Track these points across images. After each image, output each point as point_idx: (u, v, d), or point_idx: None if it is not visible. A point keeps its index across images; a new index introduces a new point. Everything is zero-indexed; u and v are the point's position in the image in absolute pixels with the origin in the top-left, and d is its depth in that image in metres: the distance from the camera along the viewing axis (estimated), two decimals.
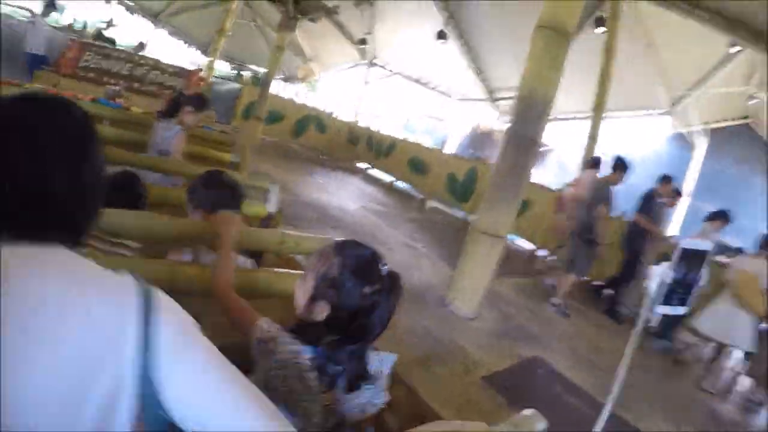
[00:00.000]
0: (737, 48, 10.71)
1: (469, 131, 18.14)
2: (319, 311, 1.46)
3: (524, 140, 5.27)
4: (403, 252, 7.26)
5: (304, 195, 8.82)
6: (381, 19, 16.11)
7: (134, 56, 12.04)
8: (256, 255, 2.63)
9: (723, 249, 7.65)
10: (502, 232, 5.40)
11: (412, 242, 8.01)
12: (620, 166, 6.69)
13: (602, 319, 7.03)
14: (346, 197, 9.99)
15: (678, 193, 7.66)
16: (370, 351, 1.52)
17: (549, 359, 5.08)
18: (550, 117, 14.32)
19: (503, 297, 6.56)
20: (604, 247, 6.76)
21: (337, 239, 1.58)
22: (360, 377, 1.47)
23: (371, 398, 1.50)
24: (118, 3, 16.48)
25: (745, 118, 14.85)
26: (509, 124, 5.54)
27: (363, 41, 17.10)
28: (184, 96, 4.66)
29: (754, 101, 13.32)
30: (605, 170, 7.88)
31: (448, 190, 11.72)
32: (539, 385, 4.55)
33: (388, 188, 13.14)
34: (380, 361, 1.55)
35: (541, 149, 17.20)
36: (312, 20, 11.23)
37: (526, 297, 6.93)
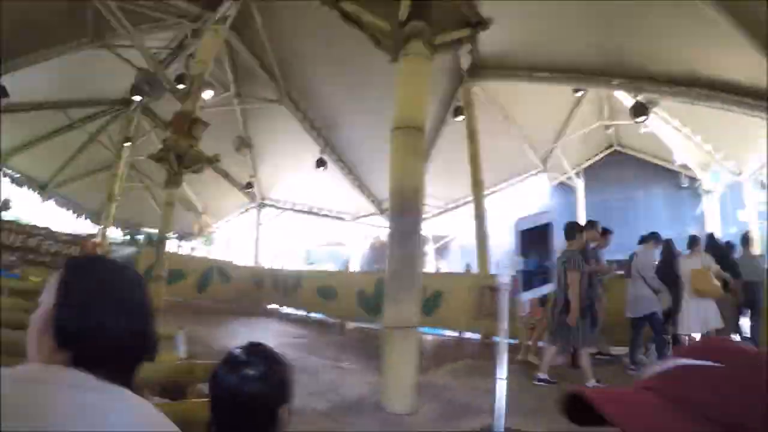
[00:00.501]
0: (581, 92, 12.18)
1: (370, 247, 18.73)
2: (211, 424, 1.62)
3: (405, 232, 5.80)
4: (330, 373, 7.44)
5: (217, 344, 8.85)
6: (263, 159, 16.89)
7: (26, 227, 12.09)
8: (178, 394, 2.82)
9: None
10: (412, 322, 5.80)
11: (337, 363, 8.24)
12: (574, 229, 7.03)
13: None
14: (261, 338, 9.92)
15: (606, 231, 8.15)
16: None
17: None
18: (444, 207, 15.06)
19: (440, 384, 6.85)
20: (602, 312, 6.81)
21: None
22: None
23: None
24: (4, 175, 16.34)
25: (610, 147, 16.69)
26: (390, 222, 6.07)
27: (249, 185, 17.69)
28: None
29: (611, 130, 15.10)
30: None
31: (361, 307, 12.08)
32: None
33: (304, 321, 13.34)
34: None
35: (439, 241, 18.14)
36: (195, 172, 11.57)
37: (463, 378, 7.22)
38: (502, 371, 2.43)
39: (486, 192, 12.13)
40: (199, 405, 2.25)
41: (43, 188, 17.36)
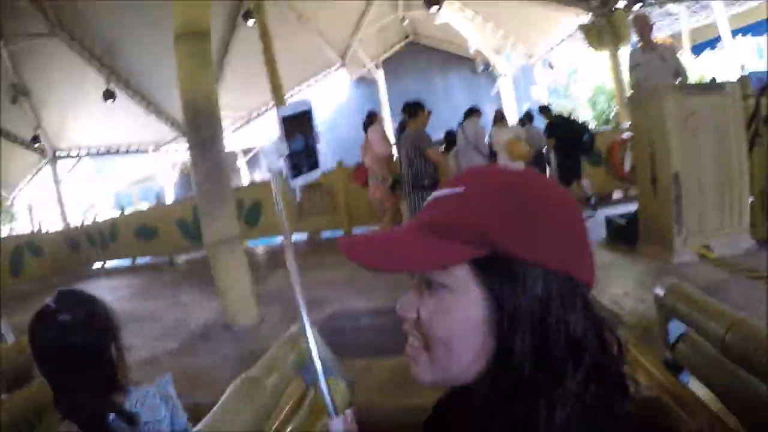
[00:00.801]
0: None
1: (180, 174, 18.02)
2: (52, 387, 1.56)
3: (205, 144, 5.66)
4: (171, 312, 7.36)
5: None
6: (45, 105, 14.95)
7: None
8: (23, 381, 2.60)
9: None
10: (232, 233, 5.80)
11: (174, 297, 8.17)
12: (416, 109, 7.02)
13: None
14: None
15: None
16: (134, 391, 1.61)
17: (346, 308, 5.83)
18: (247, 118, 14.76)
19: (279, 289, 6.97)
20: None
21: None
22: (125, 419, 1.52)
23: (166, 426, 1.61)
24: None
25: (407, 38, 17.36)
26: (188, 137, 5.88)
27: (36, 138, 15.73)
28: None
29: (407, 22, 15.58)
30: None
31: (185, 238, 11.76)
32: (348, 330, 5.21)
33: (132, 270, 12.81)
34: (156, 391, 1.65)
35: (250, 152, 17.98)
36: None
37: (304, 276, 7.31)
38: (291, 261, 2.48)
39: (287, 95, 12.02)
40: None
41: None
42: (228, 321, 5.85)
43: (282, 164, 2.49)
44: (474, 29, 14.56)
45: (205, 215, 5.78)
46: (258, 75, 12.04)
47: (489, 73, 17.07)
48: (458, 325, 0.70)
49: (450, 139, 9.45)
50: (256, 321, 5.81)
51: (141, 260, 13.26)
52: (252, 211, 10.48)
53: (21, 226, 17.30)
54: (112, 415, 1.50)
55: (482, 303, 0.68)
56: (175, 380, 1.74)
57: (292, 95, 14.37)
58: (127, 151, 17.68)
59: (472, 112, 8.78)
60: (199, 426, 1.30)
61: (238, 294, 5.81)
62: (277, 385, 1.60)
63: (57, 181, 16.89)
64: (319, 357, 2.03)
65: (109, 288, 10.70)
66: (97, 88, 13.78)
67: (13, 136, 15.29)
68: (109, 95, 13.77)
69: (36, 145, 15.84)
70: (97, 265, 14.22)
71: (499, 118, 9.41)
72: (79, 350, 1.52)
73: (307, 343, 1.88)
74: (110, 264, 14.01)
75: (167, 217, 12.31)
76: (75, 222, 15.59)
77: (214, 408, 1.39)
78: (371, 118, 8.58)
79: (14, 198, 18.17)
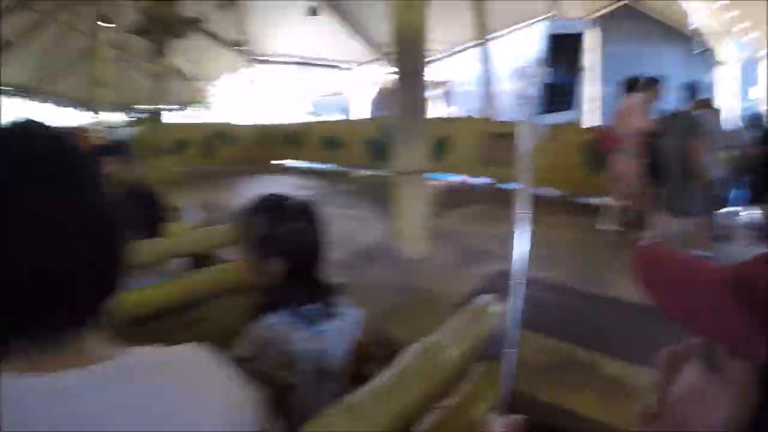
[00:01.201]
0: None
1: (378, 92, 18.16)
2: (274, 270, 1.59)
3: (409, 75, 5.58)
4: (342, 223, 7.44)
5: (229, 207, 8.86)
6: (250, 12, 15.88)
7: None
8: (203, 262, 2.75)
9: None
10: (419, 167, 5.77)
11: (348, 211, 8.34)
12: (692, 90, 6.51)
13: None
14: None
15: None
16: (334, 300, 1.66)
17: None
18: (448, 51, 14.54)
19: (450, 229, 6.93)
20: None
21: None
22: (325, 310, 1.60)
23: (346, 330, 1.66)
24: None
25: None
26: (392, 64, 5.83)
27: (238, 42, 16.73)
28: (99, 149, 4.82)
29: None
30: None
31: (369, 155, 12.01)
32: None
33: (311, 173, 13.39)
34: (356, 315, 1.72)
35: (445, 86, 17.71)
36: (179, 38, 10.97)
37: (474, 223, 7.29)
38: (525, 218, 2.27)
39: (490, 36, 11.58)
40: (235, 266, 2.33)
41: (25, 90, 15.96)
42: (396, 248, 5.88)
43: (534, 91, 1.99)
44: (700, 4, 12.80)
45: (399, 143, 5.80)
46: (463, 11, 11.70)
47: (706, 56, 15.03)
48: (702, 419, 0.55)
49: None
50: (422, 255, 5.79)
51: (320, 166, 13.86)
52: (438, 145, 10.26)
53: (216, 116, 18.42)
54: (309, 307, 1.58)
55: (740, 406, 0.52)
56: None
57: (496, 37, 13.88)
58: (325, 65, 18.16)
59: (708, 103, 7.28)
60: (367, 386, 1.26)
61: (413, 226, 5.84)
62: (455, 357, 1.52)
63: (253, 82, 17.87)
64: (508, 336, 1.92)
65: (288, 185, 11.27)
66: (302, 2, 14.11)
67: (218, 38, 16.15)
68: (312, 11, 14.07)
69: (239, 48, 16.72)
70: (280, 162, 15.06)
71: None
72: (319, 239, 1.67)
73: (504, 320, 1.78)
74: (291, 163, 14.81)
75: (355, 131, 12.73)
76: (268, 120, 16.51)
77: (386, 370, 1.34)
78: (634, 84, 7.32)
79: (214, 91, 19.44)
